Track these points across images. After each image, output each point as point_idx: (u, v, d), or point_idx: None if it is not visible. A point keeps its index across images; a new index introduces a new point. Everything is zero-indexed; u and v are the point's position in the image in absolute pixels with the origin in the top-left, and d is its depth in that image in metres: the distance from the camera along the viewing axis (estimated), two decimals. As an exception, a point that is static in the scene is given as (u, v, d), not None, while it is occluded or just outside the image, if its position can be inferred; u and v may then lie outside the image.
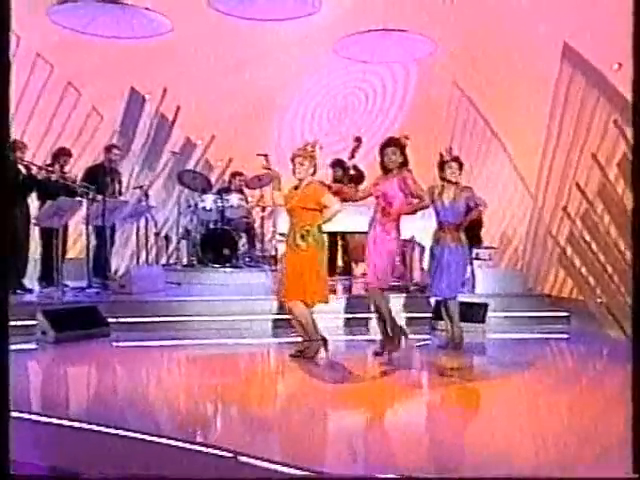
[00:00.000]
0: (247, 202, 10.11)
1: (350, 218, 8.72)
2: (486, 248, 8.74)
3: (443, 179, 6.23)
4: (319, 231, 5.69)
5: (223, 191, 9.98)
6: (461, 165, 6.19)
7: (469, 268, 8.13)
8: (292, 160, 5.79)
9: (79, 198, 8.31)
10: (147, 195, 9.75)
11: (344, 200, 5.92)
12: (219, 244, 9.33)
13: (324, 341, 5.85)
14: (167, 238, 10.16)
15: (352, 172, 9.50)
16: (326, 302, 5.73)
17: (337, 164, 9.86)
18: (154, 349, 6.74)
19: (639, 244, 3.45)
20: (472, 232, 8.16)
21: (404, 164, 5.81)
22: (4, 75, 3.24)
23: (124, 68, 10.33)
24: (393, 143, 5.79)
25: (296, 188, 5.86)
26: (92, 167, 9.08)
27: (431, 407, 4.96)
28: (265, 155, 9.55)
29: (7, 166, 3.69)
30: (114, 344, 6.81)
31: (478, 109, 10.53)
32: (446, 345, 6.32)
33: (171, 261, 10.28)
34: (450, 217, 6.19)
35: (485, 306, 7.35)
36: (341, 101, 12.04)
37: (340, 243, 10.07)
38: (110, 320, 7.10)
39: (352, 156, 9.46)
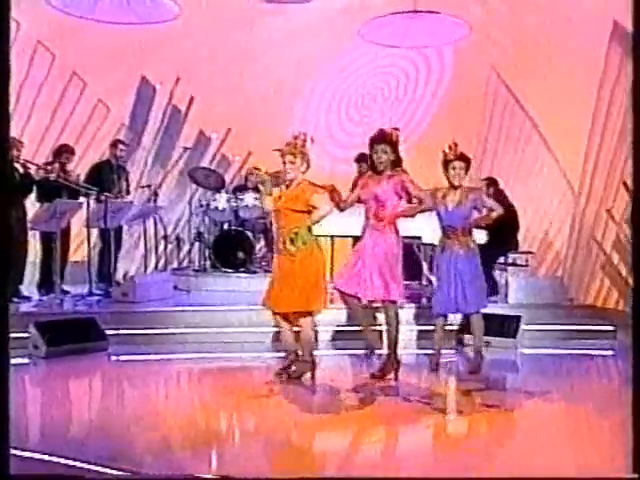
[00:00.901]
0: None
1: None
2: (523, 253, 8.50)
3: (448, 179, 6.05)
4: (309, 233, 5.58)
5: (239, 189, 9.90)
6: (468, 164, 5.94)
7: (503, 275, 8.06)
8: (282, 157, 5.67)
9: (82, 199, 8.35)
10: (156, 194, 9.77)
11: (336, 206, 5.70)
12: (233, 247, 9.24)
13: (313, 364, 5.79)
14: (178, 240, 10.06)
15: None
16: (319, 310, 5.67)
17: (362, 158, 9.58)
18: (156, 364, 6.71)
19: (639, 245, 3.54)
20: (507, 235, 8.12)
21: (396, 163, 5.57)
22: (4, 74, 3.32)
23: (133, 56, 10.31)
24: (383, 139, 5.52)
25: (287, 187, 5.75)
26: (97, 164, 9.09)
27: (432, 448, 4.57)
28: (281, 150, 9.63)
29: (4, 166, 3.79)
30: (112, 358, 6.79)
31: (517, 98, 10.32)
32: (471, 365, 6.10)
33: (182, 265, 10.22)
34: (456, 222, 5.95)
35: (517, 319, 7.18)
36: (369, 89, 11.94)
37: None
38: (109, 332, 7.07)
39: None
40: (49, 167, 8.06)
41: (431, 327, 6.34)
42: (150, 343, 7.15)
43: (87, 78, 10.46)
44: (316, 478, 3.87)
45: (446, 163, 5.90)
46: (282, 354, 6.10)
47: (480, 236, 8.01)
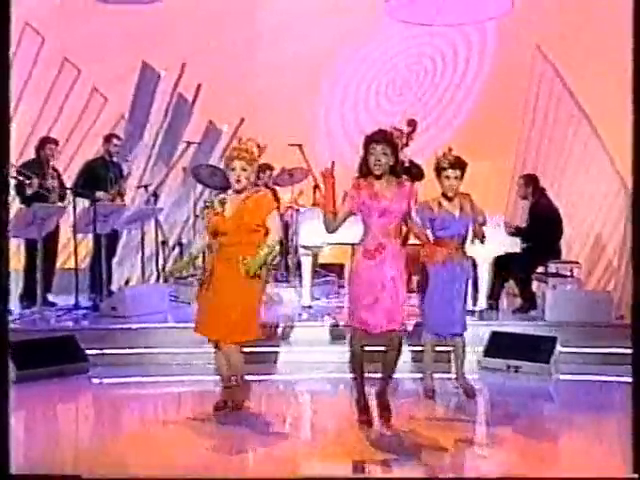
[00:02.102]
0: (278, 202, 9.79)
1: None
2: (567, 262, 8.25)
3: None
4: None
5: None
6: (463, 171, 5.84)
7: (540, 287, 7.99)
8: (229, 163, 5.52)
9: (70, 200, 8.32)
10: (156, 195, 9.71)
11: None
12: None
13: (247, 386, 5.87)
14: (181, 246, 9.95)
15: (407, 165, 9.25)
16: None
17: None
18: (146, 388, 6.64)
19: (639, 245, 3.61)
20: (548, 241, 8.01)
21: (394, 170, 5.23)
22: (4, 73, 3.57)
23: (133, 39, 10.35)
24: (383, 139, 5.19)
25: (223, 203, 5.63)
26: (90, 162, 9.06)
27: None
28: (299, 145, 9.47)
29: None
30: (94, 381, 6.72)
31: (565, 82, 10.21)
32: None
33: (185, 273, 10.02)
34: (462, 231, 5.96)
35: (553, 341, 6.94)
36: (402, 74, 11.81)
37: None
38: (92, 352, 6.99)
39: (405, 144, 9.40)
40: (28, 180, 8.03)
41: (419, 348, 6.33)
42: (141, 364, 7.09)
43: (81, 64, 10.48)
44: (317, 478, 4.11)
45: (439, 171, 5.86)
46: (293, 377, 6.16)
47: (514, 241, 7.83)
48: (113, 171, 8.93)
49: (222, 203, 5.62)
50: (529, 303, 7.97)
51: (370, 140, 5.20)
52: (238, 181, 5.49)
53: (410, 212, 5.26)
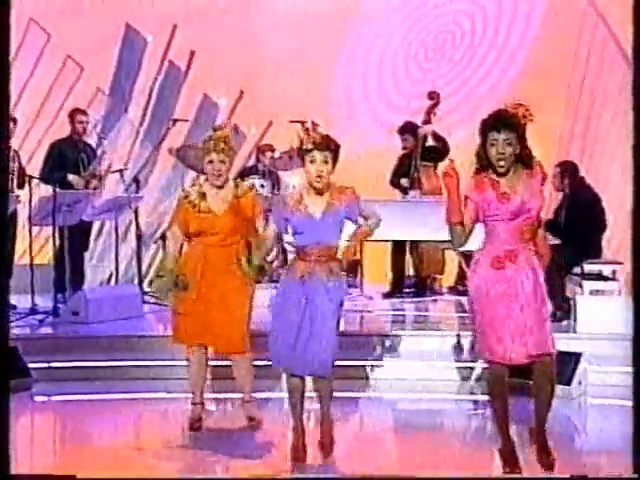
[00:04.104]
0: (278, 189, 9.72)
1: (422, 220, 8.39)
2: (608, 263, 8.05)
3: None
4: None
5: (245, 173, 9.81)
6: (334, 153, 5.15)
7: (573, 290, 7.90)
8: (205, 154, 5.72)
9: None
10: (137, 181, 9.72)
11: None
12: None
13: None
14: (164, 240, 9.83)
15: (431, 142, 9.57)
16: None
17: (406, 129, 9.67)
18: (105, 406, 6.68)
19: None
20: (587, 236, 7.94)
21: (521, 158, 4.92)
22: (4, 72, 3.95)
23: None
24: (504, 123, 4.83)
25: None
26: (57, 142, 9.15)
27: None
28: (302, 122, 9.43)
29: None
30: (37, 399, 6.80)
31: (622, 47, 10.05)
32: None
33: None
34: (327, 237, 5.16)
35: (576, 358, 6.79)
36: (434, 35, 11.72)
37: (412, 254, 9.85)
38: (41, 365, 7.05)
39: (427, 119, 9.35)
40: None
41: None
42: (102, 378, 7.15)
43: (50, 28, 10.53)
44: (314, 478, 4.50)
45: (301, 153, 5.17)
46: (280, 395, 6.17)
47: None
48: (85, 152, 8.99)
49: (202, 196, 5.76)
50: (562, 311, 7.83)
51: (489, 126, 4.89)
52: (219, 175, 5.67)
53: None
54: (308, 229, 5.14)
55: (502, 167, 4.87)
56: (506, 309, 4.88)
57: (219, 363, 6.45)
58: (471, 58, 11.53)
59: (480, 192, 4.89)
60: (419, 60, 11.68)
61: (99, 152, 9.24)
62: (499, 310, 4.88)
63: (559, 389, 6.40)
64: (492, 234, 4.93)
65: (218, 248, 5.72)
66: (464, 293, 8.41)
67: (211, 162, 5.68)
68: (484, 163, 4.92)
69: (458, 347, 7.47)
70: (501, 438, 5.08)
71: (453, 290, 9.71)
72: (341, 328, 7.66)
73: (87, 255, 9.71)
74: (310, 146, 5.09)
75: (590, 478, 3.88)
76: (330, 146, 5.12)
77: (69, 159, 8.88)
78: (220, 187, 5.74)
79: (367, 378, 7.30)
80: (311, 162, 5.10)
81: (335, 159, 5.15)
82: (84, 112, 9.23)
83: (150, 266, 10.61)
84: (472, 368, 7.18)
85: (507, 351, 4.86)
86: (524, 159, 4.93)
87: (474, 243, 5.05)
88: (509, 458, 5.01)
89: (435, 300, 9.70)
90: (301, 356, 5.11)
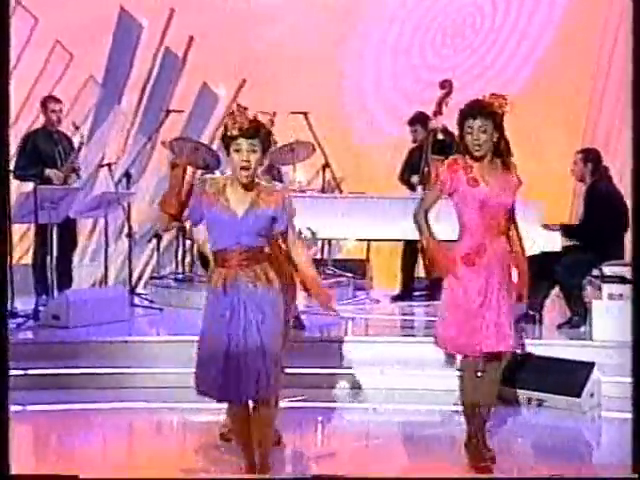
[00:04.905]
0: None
1: (433, 218, 8.37)
2: (629, 265, 7.85)
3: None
4: None
5: None
6: (266, 143, 4.84)
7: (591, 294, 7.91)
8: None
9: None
10: (129, 176, 9.70)
11: None
12: None
13: None
14: (158, 239, 10.00)
15: (440, 137, 9.34)
16: None
17: (416, 120, 9.63)
18: (83, 416, 6.65)
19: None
20: (607, 236, 7.87)
21: (498, 148, 5.30)
22: (4, 71, 4.08)
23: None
24: (480, 112, 5.22)
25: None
26: (30, 134, 9.13)
27: None
28: (304, 114, 9.45)
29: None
30: (11, 409, 6.64)
31: None
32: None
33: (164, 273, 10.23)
34: (244, 238, 4.80)
35: (589, 367, 6.72)
36: (453, 17, 11.74)
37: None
38: (13, 372, 6.77)
39: (439, 111, 9.25)
40: None
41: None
42: (84, 387, 7.12)
43: (37, 11, 10.54)
44: (314, 477, 4.80)
45: (226, 141, 4.84)
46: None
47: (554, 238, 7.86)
48: (61, 144, 8.94)
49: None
50: (580, 316, 7.82)
51: (466, 114, 5.24)
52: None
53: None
54: (227, 228, 4.77)
55: (479, 152, 5.20)
56: (475, 304, 5.23)
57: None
58: (493, 43, 11.52)
59: (451, 172, 5.23)
60: (436, 46, 11.69)
61: (76, 143, 9.11)
62: (469, 305, 5.22)
63: (566, 401, 6.64)
64: (462, 226, 5.31)
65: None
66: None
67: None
68: (460, 151, 5.29)
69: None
70: (467, 432, 5.44)
71: None
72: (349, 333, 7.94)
73: (78, 255, 9.72)
74: (235, 132, 4.71)
75: (591, 478, 4.06)
76: (259, 133, 4.73)
77: (45, 152, 8.83)
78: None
79: (374, 388, 7.22)
80: (236, 151, 4.70)
81: (265, 148, 4.79)
82: (57, 100, 9.12)
83: (147, 265, 10.69)
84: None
85: (477, 345, 5.22)
86: (501, 151, 5.29)
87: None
88: (474, 452, 5.38)
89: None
90: (235, 380, 4.77)
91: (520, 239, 5.41)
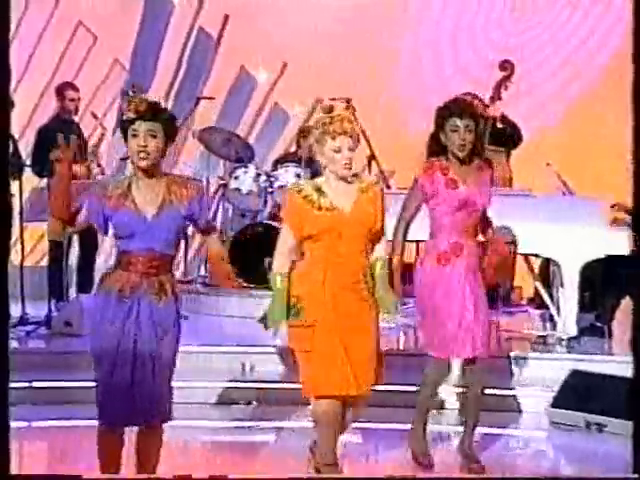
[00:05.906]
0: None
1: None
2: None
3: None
4: None
5: (280, 161, 10.06)
6: (170, 128, 4.67)
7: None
8: (325, 142, 5.03)
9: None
10: None
11: None
12: (256, 250, 9.07)
13: None
14: (186, 237, 9.77)
15: (498, 125, 9.28)
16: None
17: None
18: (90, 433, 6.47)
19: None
20: None
21: (477, 149, 5.75)
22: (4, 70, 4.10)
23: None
24: (465, 111, 5.59)
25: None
26: (44, 127, 9.19)
27: None
28: (347, 100, 9.36)
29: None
30: (13, 426, 6.64)
31: None
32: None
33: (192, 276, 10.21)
34: (155, 242, 4.62)
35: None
36: None
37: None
38: (17, 385, 6.67)
39: (497, 96, 9.07)
40: None
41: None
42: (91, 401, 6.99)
43: None
44: (314, 478, 5.06)
45: (124, 127, 4.70)
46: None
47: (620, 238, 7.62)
48: (78, 134, 8.79)
49: (318, 190, 5.17)
50: (603, 324, 7.93)
51: (449, 112, 5.52)
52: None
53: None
54: (135, 231, 4.62)
55: (463, 152, 5.54)
56: (451, 305, 5.57)
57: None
58: (568, 18, 11.36)
59: (428, 175, 5.57)
60: (503, 23, 11.53)
61: (97, 133, 9.28)
62: (444, 307, 5.56)
63: (629, 426, 6.30)
64: (437, 226, 5.64)
65: (340, 258, 5.14)
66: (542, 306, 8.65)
67: (338, 151, 5.01)
68: (436, 149, 5.60)
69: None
70: (413, 427, 5.79)
71: (533, 302, 9.37)
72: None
73: (103, 257, 9.68)
74: (132, 115, 4.57)
75: (591, 478, 4.30)
76: (159, 115, 4.60)
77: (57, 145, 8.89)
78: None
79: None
80: (133, 136, 4.56)
81: (170, 134, 4.65)
82: (75, 87, 9.19)
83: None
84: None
85: (451, 347, 5.59)
86: (478, 150, 5.70)
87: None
88: (417, 447, 5.76)
89: (510, 313, 9.34)
90: (130, 400, 4.63)
91: (499, 236, 5.92)
